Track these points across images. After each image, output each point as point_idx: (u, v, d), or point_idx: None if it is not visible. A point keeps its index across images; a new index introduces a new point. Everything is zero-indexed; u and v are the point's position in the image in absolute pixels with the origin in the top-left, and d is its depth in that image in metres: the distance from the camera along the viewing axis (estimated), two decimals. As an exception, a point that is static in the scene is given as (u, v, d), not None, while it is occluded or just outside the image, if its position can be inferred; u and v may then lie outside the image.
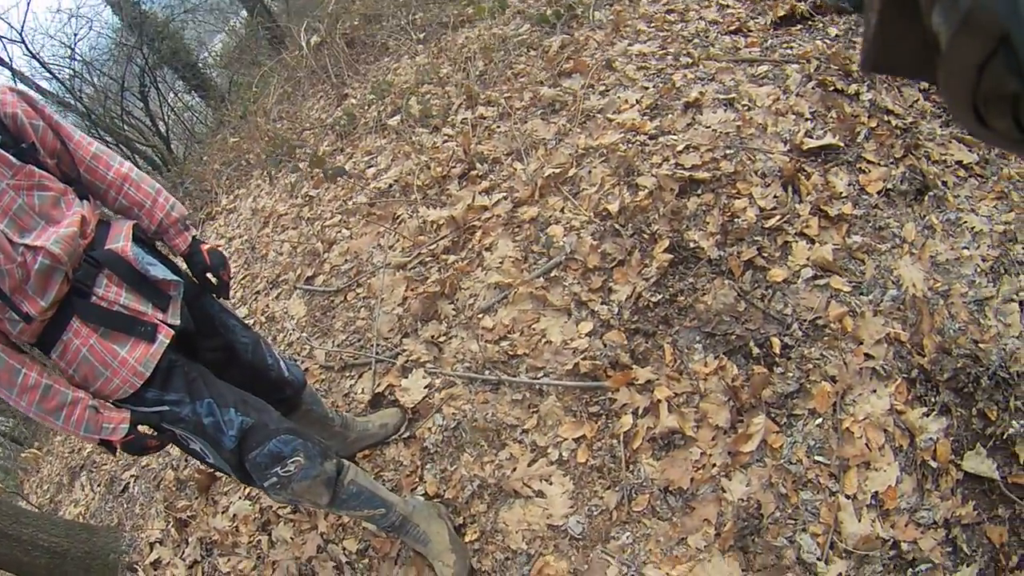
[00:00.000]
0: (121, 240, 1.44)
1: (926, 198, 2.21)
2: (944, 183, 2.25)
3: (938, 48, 0.31)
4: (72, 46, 8.59)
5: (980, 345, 1.81)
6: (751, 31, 3.18)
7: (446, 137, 3.22)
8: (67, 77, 8.39)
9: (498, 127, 3.05)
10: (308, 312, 2.83)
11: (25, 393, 1.29)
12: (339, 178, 3.35)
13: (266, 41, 8.74)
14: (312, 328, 2.73)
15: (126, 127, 8.34)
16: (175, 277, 1.45)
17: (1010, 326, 1.86)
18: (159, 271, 1.44)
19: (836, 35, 3.02)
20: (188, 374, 1.43)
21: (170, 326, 1.42)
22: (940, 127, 2.46)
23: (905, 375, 1.79)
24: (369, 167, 3.49)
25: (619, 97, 2.84)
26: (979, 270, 2.01)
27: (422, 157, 3.12)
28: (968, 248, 2.08)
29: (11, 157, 1.33)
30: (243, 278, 3.51)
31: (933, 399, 1.75)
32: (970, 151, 2.34)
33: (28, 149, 1.38)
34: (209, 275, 1.60)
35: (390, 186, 3.13)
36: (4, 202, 1.30)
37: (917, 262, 2.03)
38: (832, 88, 2.57)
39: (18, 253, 1.29)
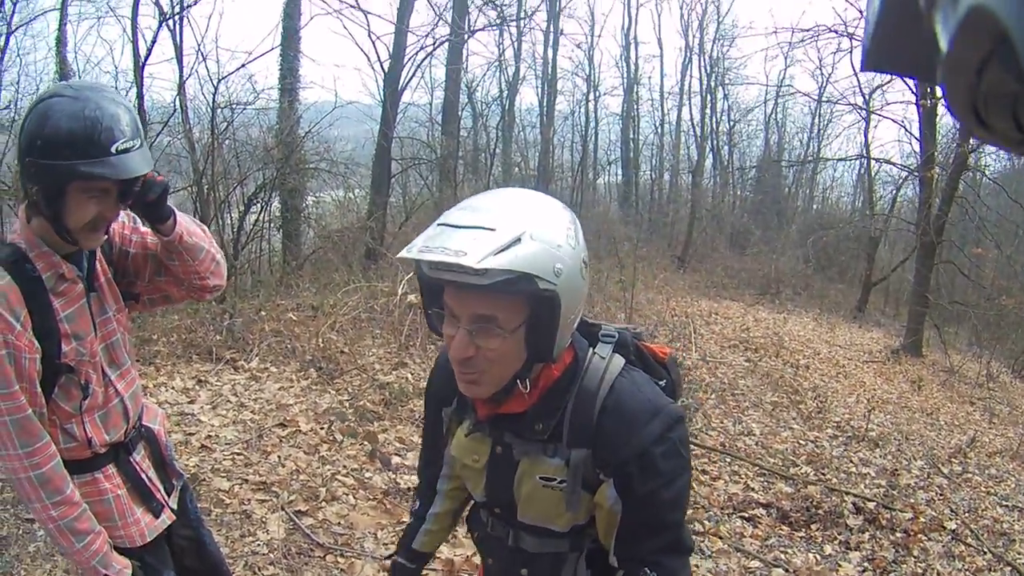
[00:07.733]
0: (157, 424, 1.69)
1: None
2: None
3: (938, 48, 0.31)
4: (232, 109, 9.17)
5: None
6: (761, 522, 4.04)
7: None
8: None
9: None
10: (285, 539, 3.14)
11: (65, 505, 1.36)
12: (379, 462, 3.91)
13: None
14: (282, 562, 3.03)
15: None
16: (181, 471, 1.76)
17: None
18: (174, 461, 1.73)
19: (829, 554, 3.83)
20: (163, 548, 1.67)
21: (172, 510, 1.66)
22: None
23: None
24: (397, 454, 4.10)
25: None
26: None
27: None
28: None
29: (119, 293, 1.52)
30: (239, 456, 3.84)
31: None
32: None
33: (134, 296, 1.57)
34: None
35: (409, 489, 3.68)
36: (107, 330, 1.47)
37: None
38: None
39: (105, 382, 1.46)
